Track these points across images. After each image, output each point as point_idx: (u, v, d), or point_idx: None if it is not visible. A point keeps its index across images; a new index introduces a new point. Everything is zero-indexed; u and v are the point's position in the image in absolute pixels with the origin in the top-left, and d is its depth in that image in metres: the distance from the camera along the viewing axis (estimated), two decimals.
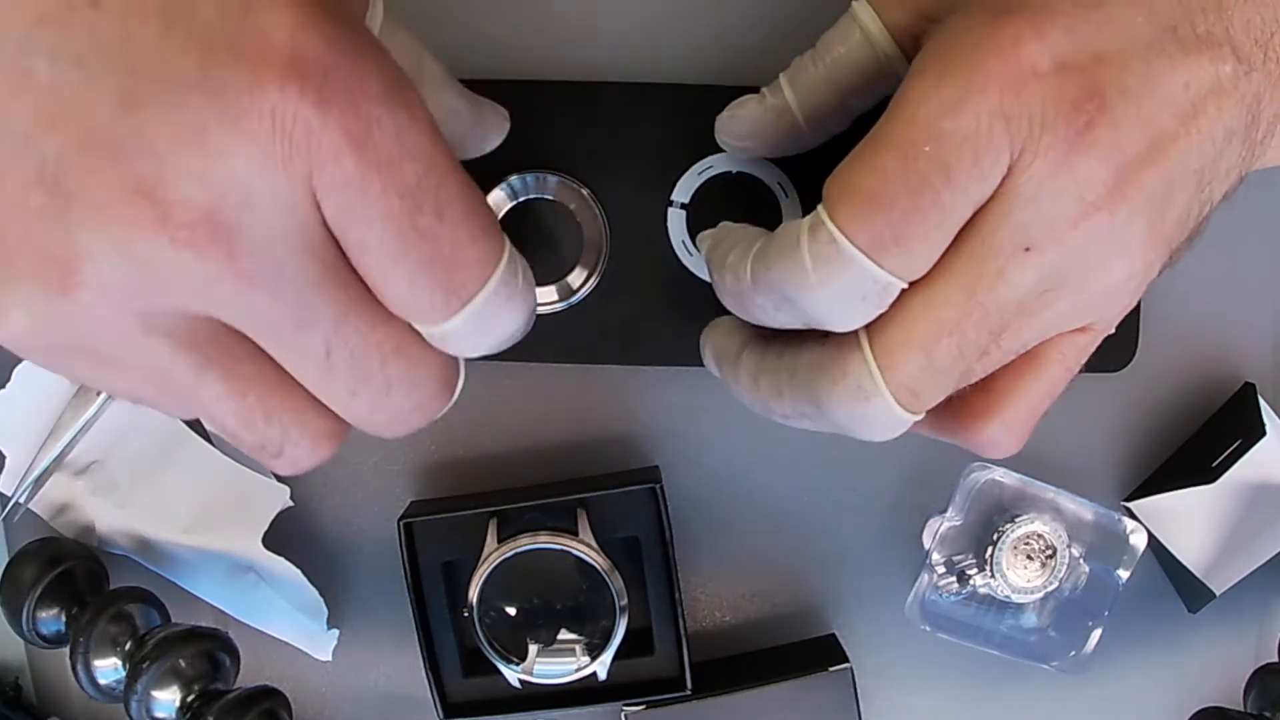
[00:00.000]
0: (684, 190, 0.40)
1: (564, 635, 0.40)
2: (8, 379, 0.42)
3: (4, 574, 0.40)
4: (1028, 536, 0.41)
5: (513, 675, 0.40)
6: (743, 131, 0.35)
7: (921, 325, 0.27)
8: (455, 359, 0.28)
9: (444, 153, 0.25)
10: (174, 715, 0.38)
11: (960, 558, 0.42)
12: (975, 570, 0.42)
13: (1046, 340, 0.30)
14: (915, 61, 0.28)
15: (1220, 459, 0.40)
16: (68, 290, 0.23)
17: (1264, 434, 0.39)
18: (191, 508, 0.42)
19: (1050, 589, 0.41)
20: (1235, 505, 0.41)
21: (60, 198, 0.22)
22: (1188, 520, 0.41)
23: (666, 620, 0.41)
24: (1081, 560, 0.41)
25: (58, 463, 0.42)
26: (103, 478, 0.42)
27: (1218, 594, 0.41)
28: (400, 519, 0.40)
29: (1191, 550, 0.41)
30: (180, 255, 0.23)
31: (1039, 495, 0.42)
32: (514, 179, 0.40)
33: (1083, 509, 0.41)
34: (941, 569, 0.42)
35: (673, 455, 0.43)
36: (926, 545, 0.42)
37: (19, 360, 0.41)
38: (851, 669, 0.40)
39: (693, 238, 0.40)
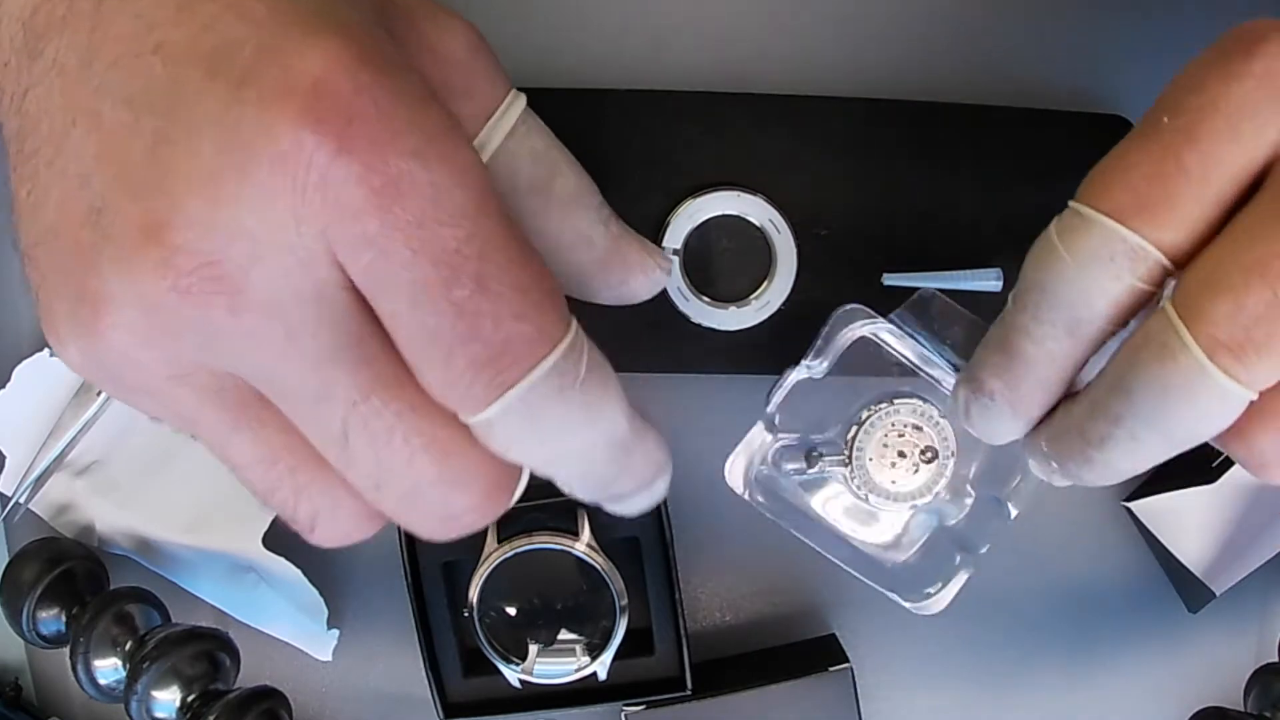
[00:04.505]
0: (675, 236, 0.39)
1: (564, 635, 0.40)
2: (8, 379, 0.42)
3: (4, 574, 0.40)
4: (903, 427, 0.32)
5: (513, 675, 0.40)
6: None
7: (1223, 266, 0.23)
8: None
9: (495, 215, 0.22)
10: (174, 715, 0.38)
11: (816, 436, 0.33)
12: (829, 454, 0.33)
13: None
14: None
15: (1220, 459, 0.40)
16: (98, 332, 0.22)
17: None
18: (191, 508, 0.42)
19: (921, 501, 0.33)
20: (1235, 505, 0.41)
21: (99, 235, 0.22)
22: (1188, 520, 0.41)
23: (666, 620, 0.41)
24: (969, 482, 0.33)
25: (58, 463, 0.42)
26: (103, 478, 0.42)
27: (1218, 594, 0.41)
28: None
29: (1191, 550, 0.41)
30: (183, 303, 0.21)
31: (931, 374, 0.32)
32: None
33: None
34: (787, 438, 0.32)
35: (673, 455, 0.43)
36: (773, 401, 0.33)
37: (19, 360, 0.41)
38: (851, 669, 0.40)
39: (689, 280, 0.39)
